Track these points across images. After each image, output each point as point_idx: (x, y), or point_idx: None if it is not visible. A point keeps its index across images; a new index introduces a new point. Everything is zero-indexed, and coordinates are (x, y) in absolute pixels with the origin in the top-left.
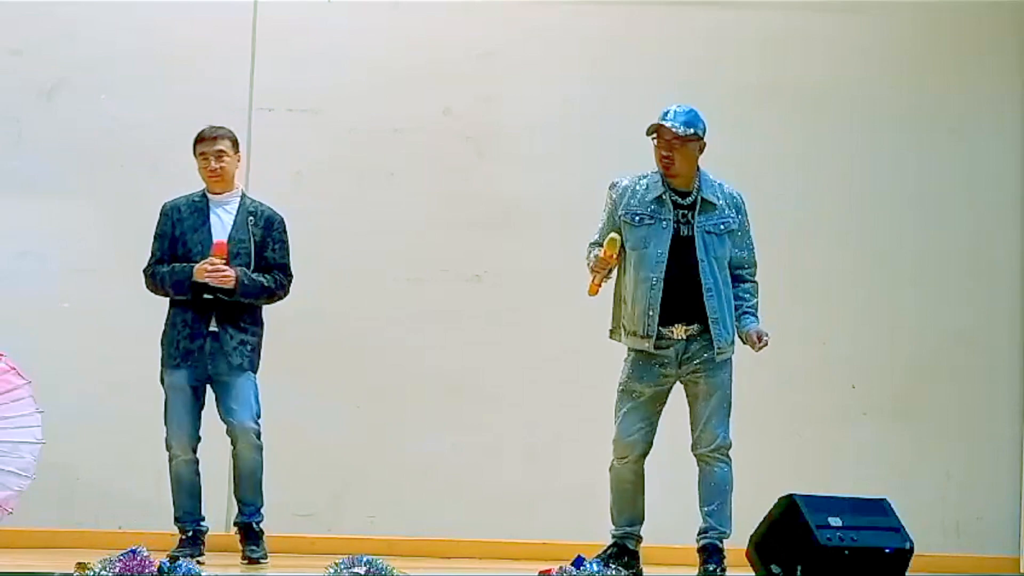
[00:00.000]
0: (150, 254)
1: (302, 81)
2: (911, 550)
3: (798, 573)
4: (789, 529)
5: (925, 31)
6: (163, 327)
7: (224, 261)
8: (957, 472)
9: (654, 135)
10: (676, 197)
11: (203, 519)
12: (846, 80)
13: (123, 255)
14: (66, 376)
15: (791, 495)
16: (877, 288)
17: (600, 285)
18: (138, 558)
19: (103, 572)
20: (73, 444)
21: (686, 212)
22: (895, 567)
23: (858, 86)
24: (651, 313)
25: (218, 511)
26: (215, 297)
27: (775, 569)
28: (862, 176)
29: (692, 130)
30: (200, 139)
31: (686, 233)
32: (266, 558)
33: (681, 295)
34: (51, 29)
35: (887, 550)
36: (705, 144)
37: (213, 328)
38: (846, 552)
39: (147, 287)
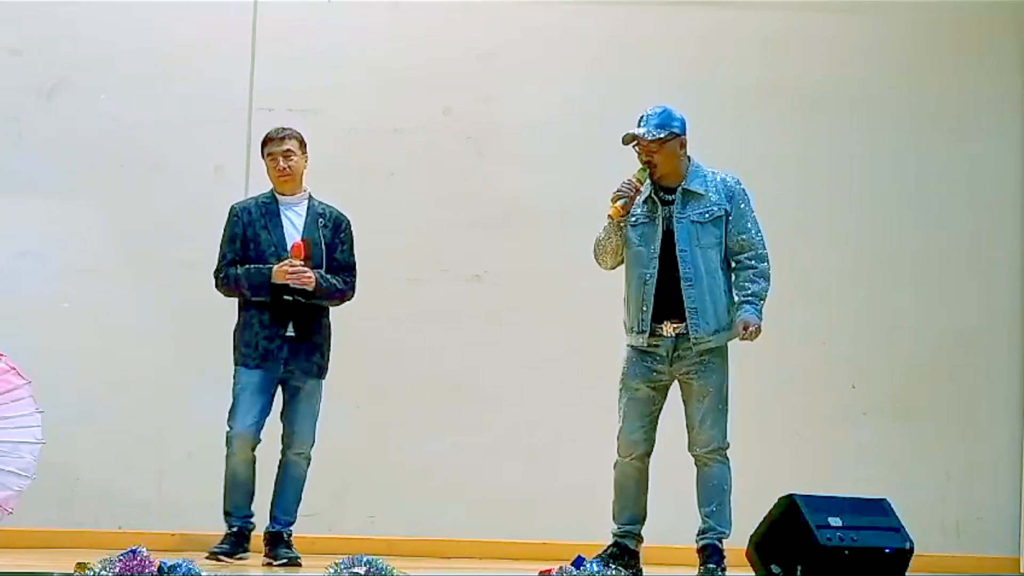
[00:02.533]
0: (220, 256)
1: (302, 81)
2: (911, 550)
3: (798, 573)
4: (789, 529)
5: (925, 31)
6: (236, 325)
7: (303, 262)
8: (957, 472)
9: (633, 143)
10: (663, 194)
11: (252, 515)
12: (846, 80)
13: (123, 255)
14: (66, 376)
15: (791, 495)
16: (877, 288)
17: (623, 210)
18: (138, 558)
19: (103, 572)
20: (73, 444)
21: (672, 207)
22: (895, 567)
23: (858, 86)
24: (644, 308)
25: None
26: (293, 299)
27: (775, 569)
28: (862, 176)
29: (666, 131)
30: (267, 140)
31: (674, 227)
32: (300, 559)
33: (671, 291)
34: (51, 29)
35: (887, 550)
36: (686, 140)
37: (291, 333)
38: (846, 552)
39: (219, 289)
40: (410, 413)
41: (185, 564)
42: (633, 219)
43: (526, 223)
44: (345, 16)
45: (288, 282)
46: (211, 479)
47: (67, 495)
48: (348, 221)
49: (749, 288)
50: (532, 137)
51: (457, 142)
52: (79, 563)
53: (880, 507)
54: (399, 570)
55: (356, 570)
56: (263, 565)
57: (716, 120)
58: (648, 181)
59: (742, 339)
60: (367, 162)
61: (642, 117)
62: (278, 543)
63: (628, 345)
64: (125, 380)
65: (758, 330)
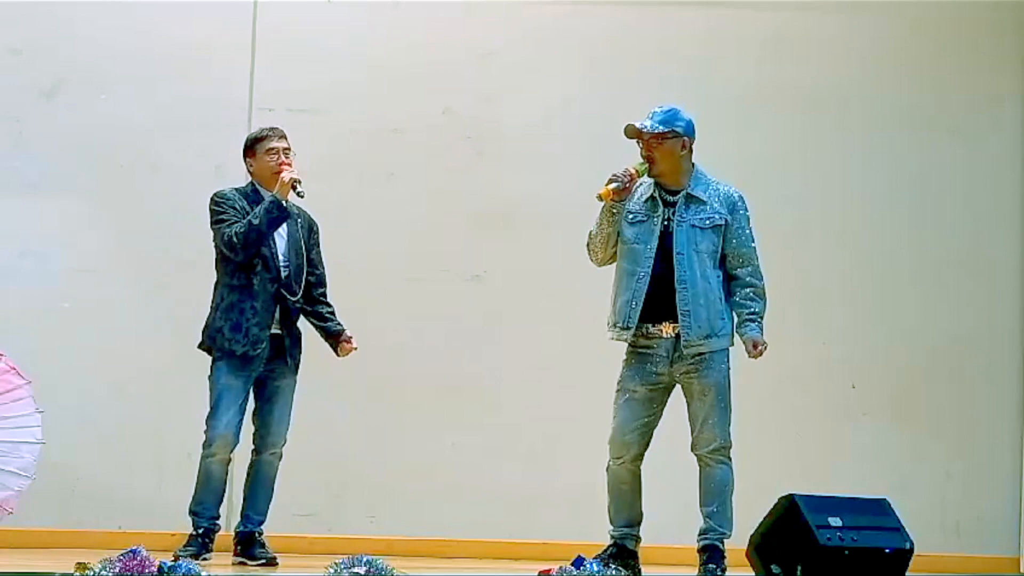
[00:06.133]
0: (226, 225)
1: (302, 81)
2: (911, 550)
3: (798, 573)
4: (789, 529)
5: (925, 31)
6: (217, 311)
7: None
8: (957, 472)
9: (636, 138)
10: (667, 195)
11: (218, 518)
12: (846, 80)
13: (123, 255)
14: (66, 376)
15: (791, 495)
16: (877, 288)
17: (614, 195)
18: (138, 558)
19: (103, 572)
20: (73, 444)
21: (674, 209)
22: (895, 567)
23: (858, 86)
24: (633, 304)
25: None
26: (280, 294)
27: (775, 569)
28: (862, 176)
29: (668, 128)
30: (264, 137)
31: (673, 230)
32: (276, 558)
33: (666, 292)
34: (51, 29)
35: (887, 550)
36: (688, 141)
37: (276, 330)
38: (846, 552)
39: (235, 247)
40: (410, 413)
41: (185, 564)
42: (632, 215)
43: (526, 223)
44: (345, 16)
45: (284, 172)
46: None
47: (67, 495)
48: (318, 225)
49: (751, 307)
50: (532, 137)
51: (457, 142)
52: (79, 563)
53: (880, 507)
54: (399, 570)
55: (356, 570)
56: (234, 565)
57: (716, 120)
58: (653, 181)
59: (751, 357)
60: (367, 162)
61: (649, 113)
62: (252, 544)
63: (628, 347)
64: (125, 380)
65: (765, 347)
